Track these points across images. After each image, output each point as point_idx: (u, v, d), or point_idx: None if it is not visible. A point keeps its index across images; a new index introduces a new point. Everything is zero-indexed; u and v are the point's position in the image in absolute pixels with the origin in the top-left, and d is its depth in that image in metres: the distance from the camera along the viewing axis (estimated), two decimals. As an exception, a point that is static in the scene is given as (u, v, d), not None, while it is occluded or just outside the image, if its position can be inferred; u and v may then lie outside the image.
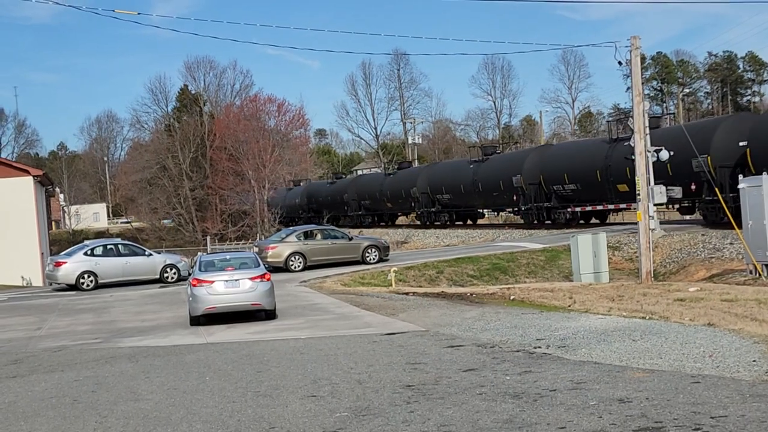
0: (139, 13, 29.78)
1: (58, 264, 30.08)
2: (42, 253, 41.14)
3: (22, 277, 39.09)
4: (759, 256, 22.49)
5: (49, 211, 57.94)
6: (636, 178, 23.96)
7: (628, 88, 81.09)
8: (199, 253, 29.11)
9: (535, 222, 43.96)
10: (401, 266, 28.73)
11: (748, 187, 22.90)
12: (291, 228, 36.80)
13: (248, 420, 8.95)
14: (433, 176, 54.73)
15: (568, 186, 40.42)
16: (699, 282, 23.51)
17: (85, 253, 30.17)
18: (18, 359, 14.55)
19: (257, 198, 65.33)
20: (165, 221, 77.34)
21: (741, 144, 29.86)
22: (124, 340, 16.41)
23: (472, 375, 10.70)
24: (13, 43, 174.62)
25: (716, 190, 28.41)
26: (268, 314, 18.19)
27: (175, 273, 30.49)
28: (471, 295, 21.41)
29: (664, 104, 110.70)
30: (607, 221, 43.56)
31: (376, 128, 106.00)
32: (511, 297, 20.31)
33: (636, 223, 24.65)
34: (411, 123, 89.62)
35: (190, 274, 20.80)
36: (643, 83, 25.66)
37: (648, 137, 28.97)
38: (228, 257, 19.63)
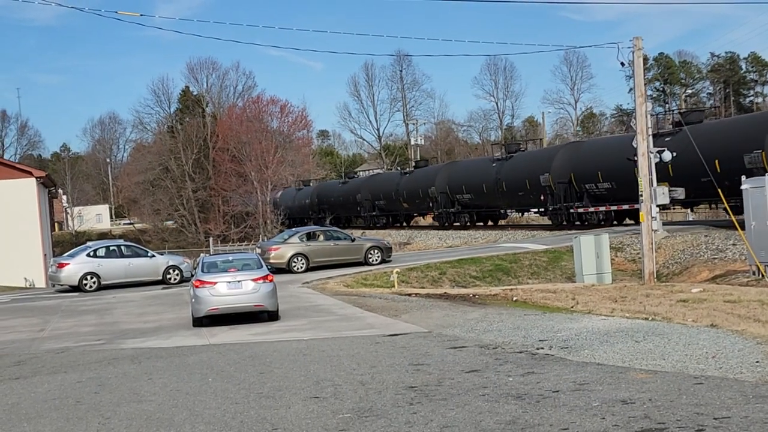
0: (141, 15, 29.90)
1: (61, 265, 30.11)
2: (45, 255, 41.20)
3: (25, 279, 39.16)
4: (762, 257, 22.46)
5: (51, 213, 58.02)
6: (639, 179, 23.93)
7: (631, 89, 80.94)
8: (201, 255, 29.18)
9: (564, 223, 41.55)
10: (404, 267, 28.73)
11: (752, 188, 22.88)
12: (294, 229, 36.81)
13: (251, 421, 8.96)
14: (453, 175, 52.33)
15: (601, 184, 38.14)
16: (702, 283, 23.48)
17: (88, 255, 30.20)
18: (21, 361, 14.57)
19: (260, 199, 65.38)
20: (168, 222, 77.39)
21: None
22: (127, 341, 16.43)
23: (475, 376, 10.69)
24: (16, 45, 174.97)
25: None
26: (271, 315, 18.19)
27: (177, 274, 30.51)
28: (474, 296, 21.40)
29: (667, 105, 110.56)
30: (641, 222, 41.72)
31: (378, 129, 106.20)
32: (514, 298, 20.30)
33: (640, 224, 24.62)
34: (413, 124, 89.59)
35: (192, 276, 20.83)
36: (645, 84, 25.63)
37: (650, 138, 28.91)
38: (231, 258, 19.63)
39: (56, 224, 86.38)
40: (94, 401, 10.58)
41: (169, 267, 30.66)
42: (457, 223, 52.65)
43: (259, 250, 31.53)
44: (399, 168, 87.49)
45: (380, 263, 31.56)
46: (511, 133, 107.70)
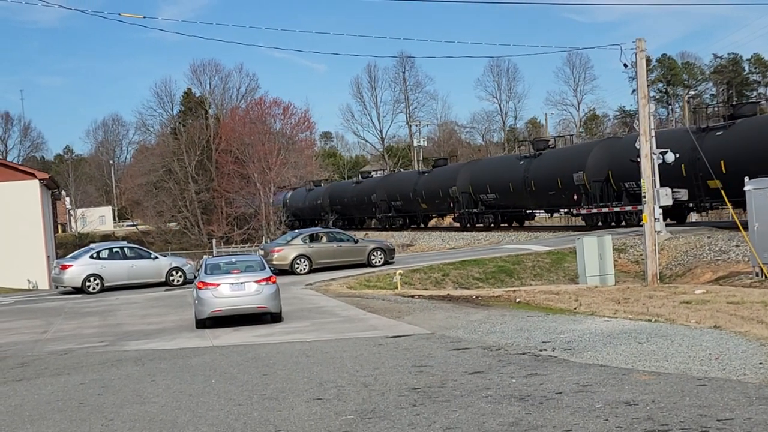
0: (144, 17, 29.96)
1: (64, 267, 30.13)
2: (48, 257, 41.26)
3: (29, 281, 39.22)
4: (765, 259, 22.43)
5: (55, 215, 58.12)
6: (641, 181, 23.91)
7: (634, 91, 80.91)
8: (204, 256, 29.13)
9: (599, 224, 38.90)
10: (407, 269, 28.72)
11: (755, 189, 22.85)
12: (296, 231, 36.80)
13: (254, 423, 8.97)
14: (476, 174, 49.78)
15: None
16: (705, 284, 23.45)
17: (91, 257, 30.22)
18: (24, 362, 14.59)
19: (263, 201, 65.44)
20: (171, 224, 77.47)
21: None
22: (130, 343, 16.44)
23: (478, 378, 10.69)
24: (19, 47, 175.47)
25: None
26: (274, 317, 18.20)
27: (180, 276, 30.52)
28: (476, 297, 21.39)
29: (670, 106, 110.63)
30: (686, 221, 38.60)
31: (381, 131, 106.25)
32: (517, 300, 20.30)
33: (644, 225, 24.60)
34: (416, 126, 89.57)
35: (195, 277, 20.83)
36: (648, 85, 25.61)
37: (653, 139, 28.91)
38: (234, 260, 19.64)
39: (59, 226, 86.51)
40: (98, 403, 10.59)
41: (172, 269, 30.67)
42: (480, 225, 50.30)
43: (262, 252, 31.54)
44: (401, 169, 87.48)
45: (383, 265, 31.56)
46: (514, 135, 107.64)
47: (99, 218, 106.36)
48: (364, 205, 64.49)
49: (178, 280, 30.40)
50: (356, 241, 32.94)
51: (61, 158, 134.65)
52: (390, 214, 60.95)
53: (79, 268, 29.70)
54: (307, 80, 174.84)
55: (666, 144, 31.50)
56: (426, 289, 26.14)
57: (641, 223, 35.66)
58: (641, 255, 28.24)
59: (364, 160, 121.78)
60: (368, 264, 31.64)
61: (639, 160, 24.15)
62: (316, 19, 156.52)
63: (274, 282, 18.12)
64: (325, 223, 66.61)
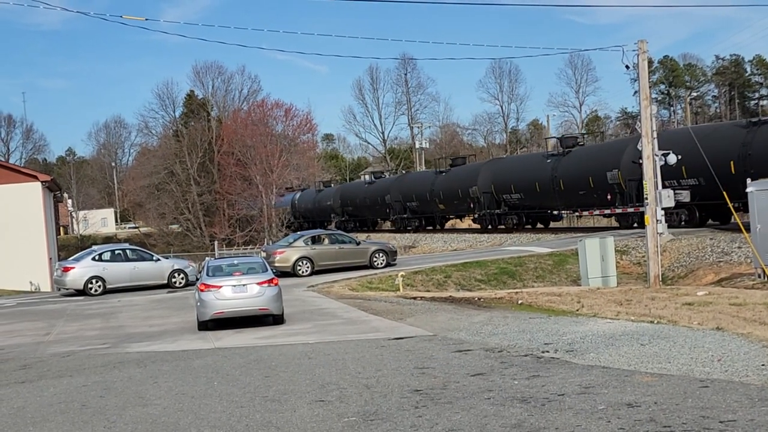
0: (146, 19, 30.07)
1: (66, 269, 30.16)
2: (50, 259, 41.29)
3: (31, 283, 39.23)
4: (767, 260, 22.41)
5: (57, 217, 58.12)
6: (643, 182, 23.90)
7: (636, 92, 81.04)
8: (206, 258, 29.13)
9: (635, 225, 36.24)
10: (409, 271, 28.74)
11: (757, 190, 22.82)
12: (299, 233, 36.83)
13: (256, 425, 8.97)
14: (498, 173, 47.97)
15: (686, 181, 33.29)
16: (707, 286, 23.44)
17: (93, 259, 30.25)
18: (27, 364, 14.60)
19: (265, 203, 65.44)
20: (173, 226, 77.50)
21: None
22: (132, 345, 16.45)
23: (480, 379, 10.69)
24: (21, 49, 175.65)
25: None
26: (276, 319, 18.20)
27: (182, 278, 30.55)
28: (479, 299, 21.39)
29: (672, 108, 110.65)
30: (731, 221, 34.99)
31: (383, 133, 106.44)
32: (519, 301, 20.29)
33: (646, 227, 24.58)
34: (418, 128, 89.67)
35: (197, 279, 20.83)
36: (650, 87, 25.60)
37: (656, 141, 28.87)
38: (236, 262, 19.64)
39: (61, 228, 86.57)
40: (100, 405, 10.60)
41: (174, 271, 30.70)
42: (502, 226, 48.11)
43: (264, 254, 31.56)
44: (404, 171, 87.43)
45: (385, 267, 31.57)
46: (516, 137, 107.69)
47: (101, 220, 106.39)
48: (377, 207, 62.56)
49: (180, 282, 30.41)
50: (358, 243, 32.95)
51: (64, 160, 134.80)
52: (405, 216, 59.05)
53: (81, 270, 29.73)
54: (309, 82, 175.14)
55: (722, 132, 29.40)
56: (428, 291, 26.14)
57: (682, 223, 33.88)
58: (643, 256, 28.23)
59: (366, 162, 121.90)
60: (370, 266, 31.64)
61: (641, 161, 24.15)
62: (318, 21, 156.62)
63: (276, 284, 18.12)
64: (335, 224, 65.88)
